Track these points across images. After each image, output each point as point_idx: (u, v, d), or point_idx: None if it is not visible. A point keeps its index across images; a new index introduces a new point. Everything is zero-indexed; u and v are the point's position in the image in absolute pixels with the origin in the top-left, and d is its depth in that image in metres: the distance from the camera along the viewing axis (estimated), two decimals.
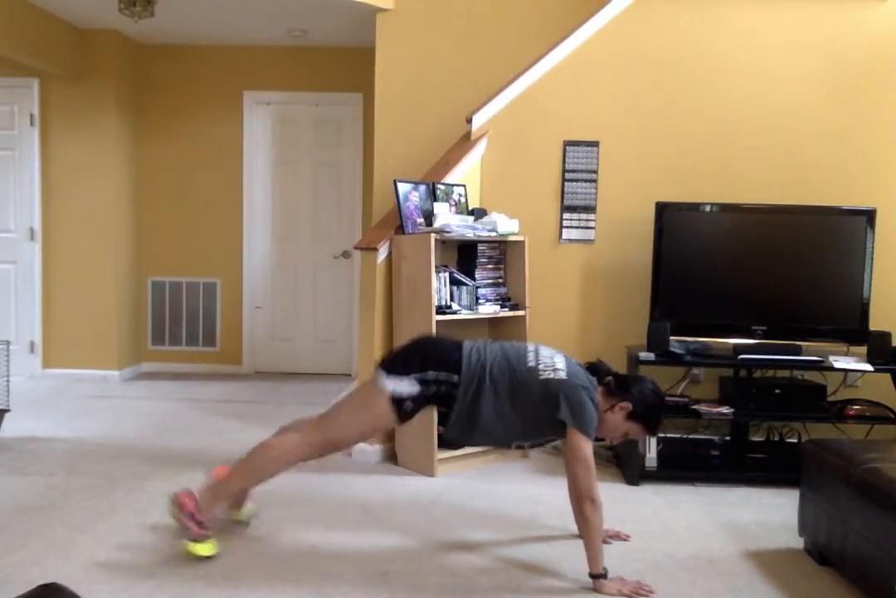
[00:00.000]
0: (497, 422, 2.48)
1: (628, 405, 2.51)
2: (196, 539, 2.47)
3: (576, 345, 4.07)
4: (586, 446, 2.40)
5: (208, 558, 2.48)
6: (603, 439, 3.80)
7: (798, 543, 2.76)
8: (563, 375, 2.46)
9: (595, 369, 2.61)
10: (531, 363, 2.50)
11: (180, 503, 2.47)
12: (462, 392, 2.46)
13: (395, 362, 2.51)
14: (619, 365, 3.77)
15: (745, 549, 2.74)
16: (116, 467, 3.50)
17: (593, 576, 2.37)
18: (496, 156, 4.09)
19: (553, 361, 2.51)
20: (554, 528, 2.88)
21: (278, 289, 5.95)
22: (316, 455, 2.52)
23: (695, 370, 3.98)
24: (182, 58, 5.81)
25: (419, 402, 2.47)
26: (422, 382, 2.45)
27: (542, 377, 2.46)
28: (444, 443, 3.46)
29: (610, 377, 2.59)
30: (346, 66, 5.73)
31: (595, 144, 4.05)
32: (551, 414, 2.44)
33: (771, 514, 3.11)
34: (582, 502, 2.38)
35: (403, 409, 2.45)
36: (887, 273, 3.94)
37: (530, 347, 2.60)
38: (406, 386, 2.44)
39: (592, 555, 2.38)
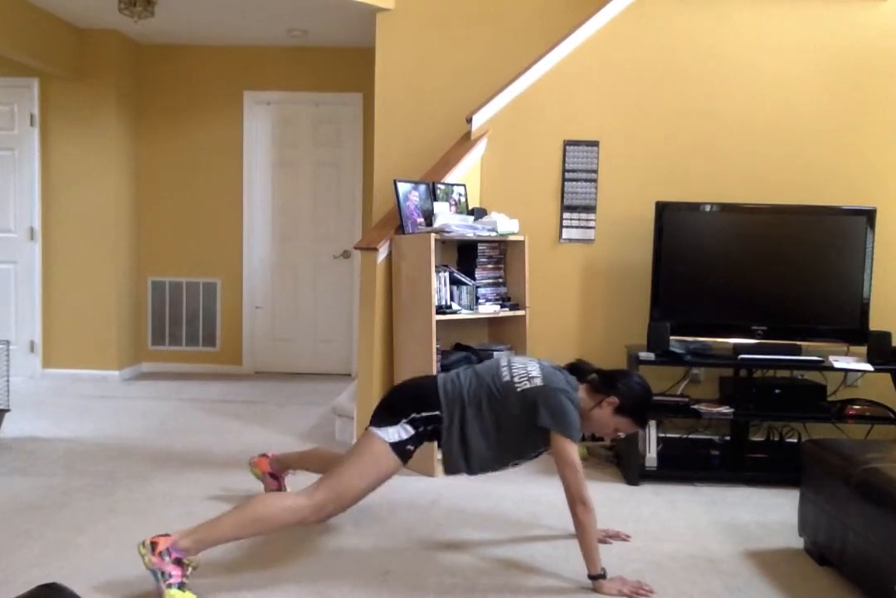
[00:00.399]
0: (487, 448, 2.49)
1: (615, 400, 2.51)
2: (179, 586, 2.17)
3: (576, 345, 4.08)
4: (571, 449, 2.41)
5: None
6: (602, 439, 3.82)
7: (798, 543, 2.76)
8: (538, 382, 2.47)
9: (577, 368, 2.62)
10: (506, 378, 2.51)
11: (153, 543, 2.20)
12: (447, 425, 2.48)
13: (381, 415, 2.51)
14: (619, 365, 3.77)
15: (745, 549, 2.74)
16: (116, 467, 3.50)
17: (592, 577, 2.37)
18: (496, 156, 4.09)
19: (527, 370, 2.52)
20: (554, 528, 2.88)
21: (278, 289, 5.95)
22: (316, 519, 2.40)
23: (695, 370, 3.98)
24: (182, 58, 5.81)
25: (417, 442, 2.49)
26: (411, 423, 2.46)
27: (519, 390, 2.47)
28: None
29: (594, 375, 2.60)
30: (346, 66, 5.73)
31: (595, 143, 4.05)
32: (534, 423, 2.44)
33: (771, 514, 3.11)
34: (574, 504, 2.39)
35: (406, 451, 2.46)
36: (887, 273, 3.94)
37: (503, 361, 2.60)
38: (401, 432, 2.45)
39: (589, 556, 2.38)
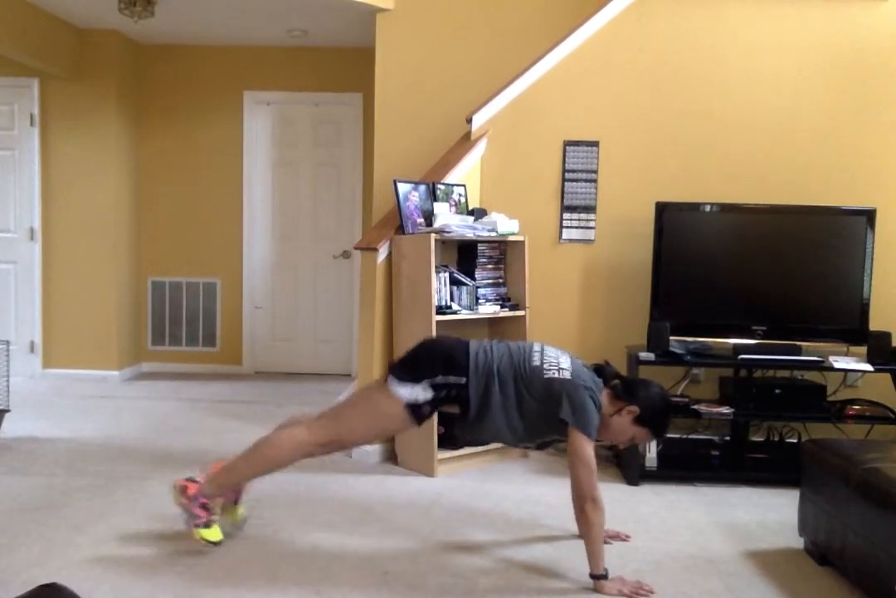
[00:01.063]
0: (504, 422, 2.48)
1: (636, 409, 2.49)
2: (206, 525, 2.51)
3: (576, 345, 4.07)
4: (587, 446, 2.40)
5: (217, 544, 2.52)
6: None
7: (798, 543, 2.76)
8: (567, 374, 2.46)
9: (602, 371, 2.60)
10: (536, 362, 2.50)
11: (182, 487, 2.53)
12: (472, 394, 2.47)
13: (404, 369, 2.50)
14: (619, 365, 3.77)
15: (745, 549, 2.74)
16: (116, 467, 3.50)
17: (594, 577, 2.37)
18: (496, 156, 4.09)
19: (558, 360, 2.51)
20: (554, 528, 2.88)
21: (278, 289, 5.95)
22: (320, 453, 2.55)
23: (695, 370, 3.98)
24: (182, 58, 5.81)
25: (435, 405, 2.49)
26: (433, 386, 2.45)
27: (546, 376, 2.46)
28: (444, 443, 3.46)
29: (617, 381, 2.58)
30: (346, 66, 5.73)
31: (595, 144, 4.05)
32: (553, 413, 2.43)
33: (771, 514, 3.11)
34: (583, 501, 2.38)
35: (421, 413, 2.47)
36: (887, 273, 3.94)
37: (536, 346, 2.59)
38: (420, 392, 2.44)
39: (593, 555, 2.38)
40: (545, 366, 2.48)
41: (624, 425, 2.51)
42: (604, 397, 2.52)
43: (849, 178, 3.98)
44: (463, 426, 2.55)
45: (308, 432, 2.48)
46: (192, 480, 2.55)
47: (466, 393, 2.46)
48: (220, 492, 2.55)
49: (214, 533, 2.52)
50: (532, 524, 2.93)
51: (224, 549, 2.56)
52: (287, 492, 3.14)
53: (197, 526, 2.50)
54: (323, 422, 2.50)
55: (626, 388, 2.54)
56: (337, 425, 2.49)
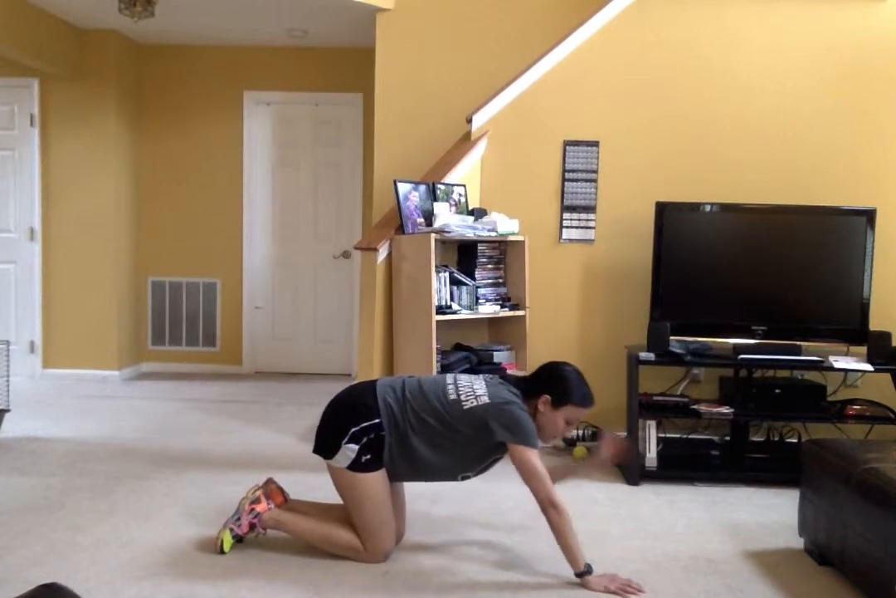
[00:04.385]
0: (436, 456, 2.48)
1: (546, 397, 2.50)
2: (235, 536, 2.57)
3: (576, 345, 4.07)
4: (532, 457, 2.40)
5: (222, 552, 2.55)
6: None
7: (798, 543, 2.76)
8: (485, 399, 2.46)
9: (506, 380, 2.61)
10: (452, 397, 2.50)
11: (257, 498, 2.60)
12: (388, 433, 2.47)
13: (324, 443, 2.53)
14: (619, 365, 3.78)
15: (745, 549, 2.74)
16: (116, 467, 3.50)
17: (578, 575, 2.38)
18: (496, 156, 4.09)
19: (473, 388, 2.51)
20: None
21: (278, 289, 5.95)
22: (378, 560, 2.54)
23: (695, 370, 3.98)
24: (182, 58, 5.81)
25: (368, 450, 2.46)
26: (353, 439, 2.45)
27: (466, 408, 2.46)
28: None
29: (521, 384, 2.59)
30: (346, 66, 5.73)
31: (595, 144, 4.05)
32: (488, 441, 2.44)
33: (771, 514, 3.11)
34: (546, 510, 2.39)
35: (367, 463, 2.45)
36: (887, 273, 3.94)
37: (449, 379, 2.59)
38: (349, 452, 2.45)
39: (570, 556, 2.39)
40: (462, 398, 2.48)
41: (550, 417, 2.52)
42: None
43: (849, 178, 3.98)
44: (392, 470, 2.52)
45: (362, 546, 2.51)
46: (269, 499, 2.61)
47: (383, 434, 2.46)
48: (271, 527, 2.58)
49: (229, 544, 2.56)
50: (531, 523, 2.92)
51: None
52: (288, 492, 3.13)
53: (231, 530, 2.56)
54: (361, 536, 2.51)
55: (527, 387, 2.56)
56: (365, 533, 2.49)
